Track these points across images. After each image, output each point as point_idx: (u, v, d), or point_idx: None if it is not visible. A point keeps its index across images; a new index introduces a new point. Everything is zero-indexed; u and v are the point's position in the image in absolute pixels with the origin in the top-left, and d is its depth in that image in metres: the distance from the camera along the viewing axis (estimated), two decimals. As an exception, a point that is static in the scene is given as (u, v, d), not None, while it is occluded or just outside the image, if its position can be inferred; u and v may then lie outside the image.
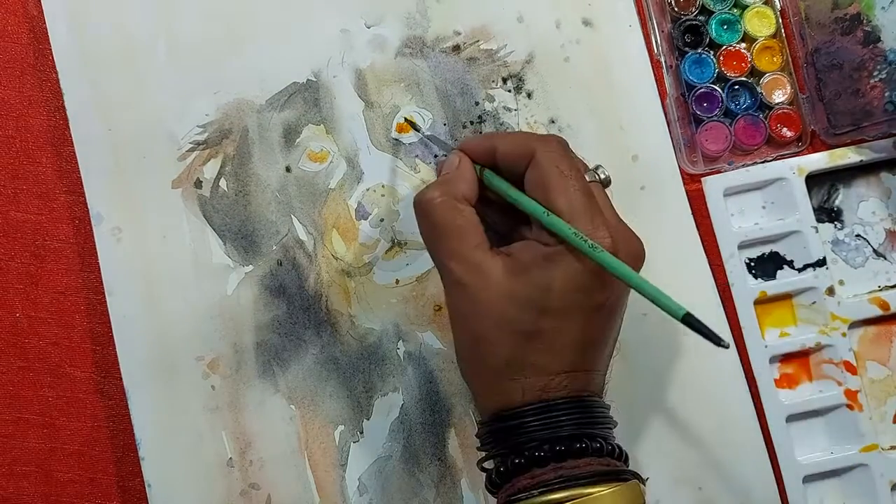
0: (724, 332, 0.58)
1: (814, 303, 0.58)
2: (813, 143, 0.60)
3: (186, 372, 0.57)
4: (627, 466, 0.47)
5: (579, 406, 0.46)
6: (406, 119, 0.58)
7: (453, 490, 0.57)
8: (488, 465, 0.48)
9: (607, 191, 0.50)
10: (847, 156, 0.59)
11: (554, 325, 0.46)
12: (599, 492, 0.44)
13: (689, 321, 0.44)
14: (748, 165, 0.59)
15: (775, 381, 0.58)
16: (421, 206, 0.49)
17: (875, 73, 0.56)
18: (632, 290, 0.46)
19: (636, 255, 0.48)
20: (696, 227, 0.59)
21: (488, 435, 0.47)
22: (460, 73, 0.59)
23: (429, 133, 0.58)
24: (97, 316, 0.58)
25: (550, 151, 0.47)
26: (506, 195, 0.49)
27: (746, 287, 0.58)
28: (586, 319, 0.46)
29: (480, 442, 0.48)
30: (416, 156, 0.59)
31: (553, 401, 0.46)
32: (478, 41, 0.60)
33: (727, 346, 0.43)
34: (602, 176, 0.50)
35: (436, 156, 0.59)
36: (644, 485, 0.47)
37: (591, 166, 0.50)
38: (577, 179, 0.47)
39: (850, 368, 0.58)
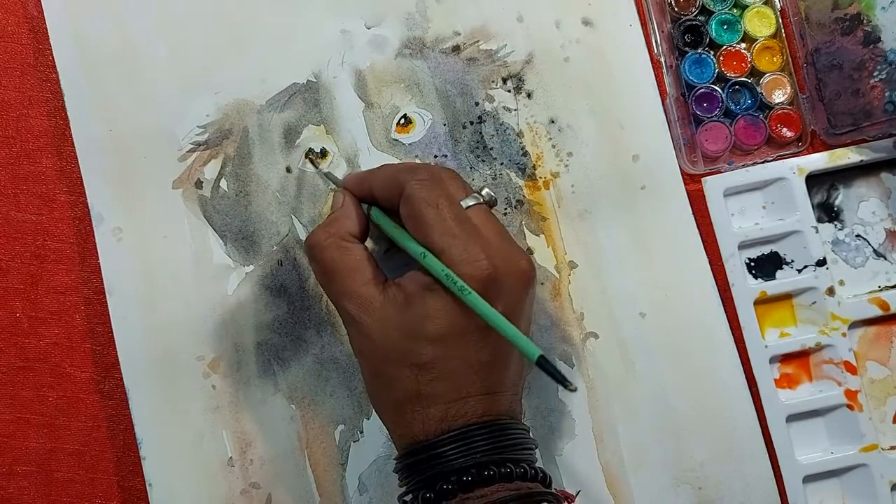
0: (725, 332, 0.58)
1: (814, 303, 0.58)
2: (813, 143, 0.60)
3: (187, 372, 0.57)
4: (548, 487, 0.47)
5: (488, 431, 0.46)
6: (311, 149, 0.59)
7: (453, 490, 0.57)
8: (408, 498, 0.47)
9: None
10: (847, 156, 0.59)
11: (443, 352, 0.46)
12: None
13: (542, 364, 0.44)
14: (748, 165, 0.59)
15: (775, 381, 0.58)
16: (310, 249, 0.50)
17: (875, 74, 0.56)
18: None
19: (520, 274, 0.47)
20: (697, 227, 0.59)
21: (402, 471, 0.48)
22: (460, 74, 0.59)
23: (326, 171, 0.58)
24: (97, 316, 0.58)
25: (419, 183, 0.47)
26: (388, 235, 0.49)
27: (746, 287, 0.58)
28: (476, 342, 0.46)
29: (398, 478, 0.48)
30: (416, 156, 0.59)
31: (457, 430, 0.46)
32: (477, 41, 0.60)
33: (574, 390, 0.43)
34: (486, 198, 0.50)
35: (435, 156, 0.59)
36: (569, 501, 0.48)
37: (477, 188, 0.50)
38: (449, 208, 0.47)
39: (850, 368, 0.58)
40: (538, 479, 0.47)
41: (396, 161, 0.58)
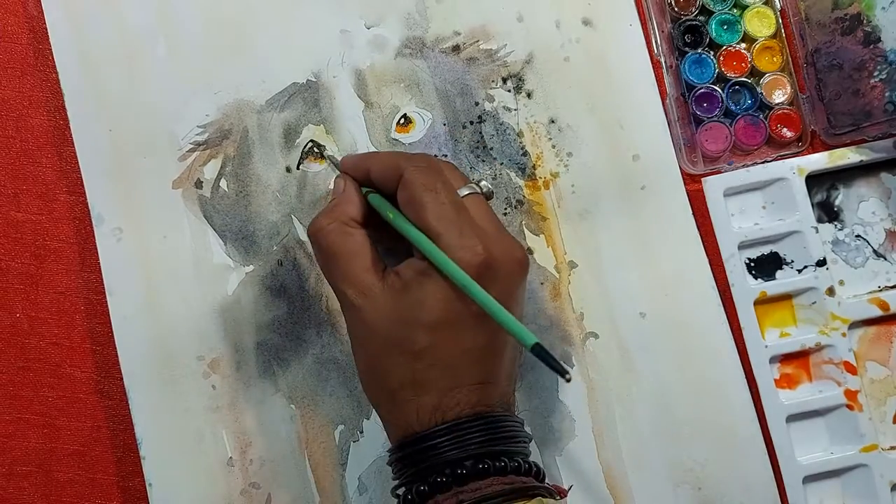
0: (725, 332, 0.58)
1: (814, 303, 0.58)
2: (813, 143, 0.60)
3: (187, 372, 0.57)
4: (541, 482, 0.47)
5: (481, 424, 0.46)
6: (312, 141, 0.59)
7: (453, 490, 0.57)
8: (400, 491, 0.47)
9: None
10: (847, 156, 0.59)
11: (438, 339, 0.46)
12: None
13: (538, 352, 0.43)
14: (748, 165, 0.59)
15: (775, 381, 0.58)
16: (313, 234, 0.50)
17: (875, 74, 0.56)
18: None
19: (516, 263, 0.47)
20: (697, 227, 0.59)
21: (395, 463, 0.47)
22: (460, 74, 0.59)
23: (329, 154, 0.58)
24: (97, 316, 0.58)
25: (417, 169, 0.48)
26: (386, 218, 0.49)
27: (746, 287, 0.58)
28: (471, 330, 0.46)
29: (391, 470, 0.48)
30: (416, 156, 0.59)
31: (451, 421, 0.46)
32: (477, 41, 0.60)
33: (569, 379, 0.43)
34: (484, 189, 0.50)
35: (435, 156, 0.59)
36: (556, 497, 0.47)
37: (475, 179, 0.50)
38: (446, 194, 0.47)
39: (850, 369, 0.58)
40: (532, 473, 0.47)
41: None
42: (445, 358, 0.46)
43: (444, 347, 0.46)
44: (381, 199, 0.50)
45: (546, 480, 0.48)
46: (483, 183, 0.50)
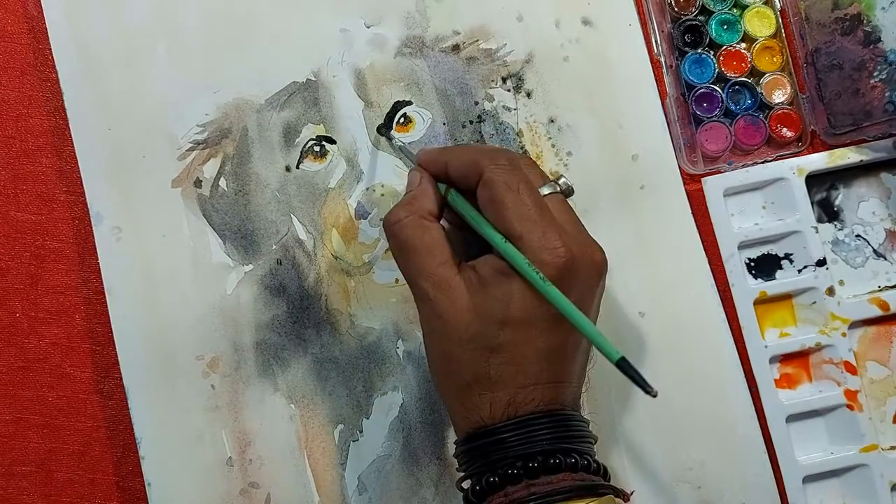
0: (725, 332, 0.58)
1: (814, 303, 0.58)
2: (813, 143, 0.60)
3: (186, 371, 0.57)
4: (608, 481, 0.47)
5: (552, 421, 0.46)
6: (380, 125, 0.59)
7: (452, 489, 0.57)
8: (466, 484, 0.47)
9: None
10: (847, 156, 0.59)
11: (515, 337, 0.46)
12: None
13: (623, 367, 0.44)
14: (748, 165, 0.59)
15: (775, 381, 0.58)
16: (389, 227, 0.49)
17: (875, 74, 0.56)
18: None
19: (594, 264, 0.47)
20: (696, 227, 0.59)
21: (463, 454, 0.47)
22: (460, 73, 0.59)
23: (401, 144, 0.58)
24: (97, 316, 0.58)
25: (499, 167, 0.47)
26: (466, 218, 0.49)
27: (746, 287, 0.58)
28: (548, 330, 0.46)
29: (457, 462, 0.48)
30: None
31: (524, 416, 0.46)
32: (477, 41, 0.60)
33: (655, 395, 0.44)
34: (563, 187, 0.49)
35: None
36: (625, 498, 0.47)
37: (552, 177, 0.50)
38: (529, 194, 0.47)
39: (850, 368, 0.58)
40: (599, 473, 0.47)
41: (397, 160, 0.59)
42: (521, 356, 0.46)
43: (520, 345, 0.46)
44: (461, 198, 0.50)
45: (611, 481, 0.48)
46: (563, 180, 0.49)
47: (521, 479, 0.45)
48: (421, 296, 0.48)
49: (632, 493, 0.57)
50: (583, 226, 0.49)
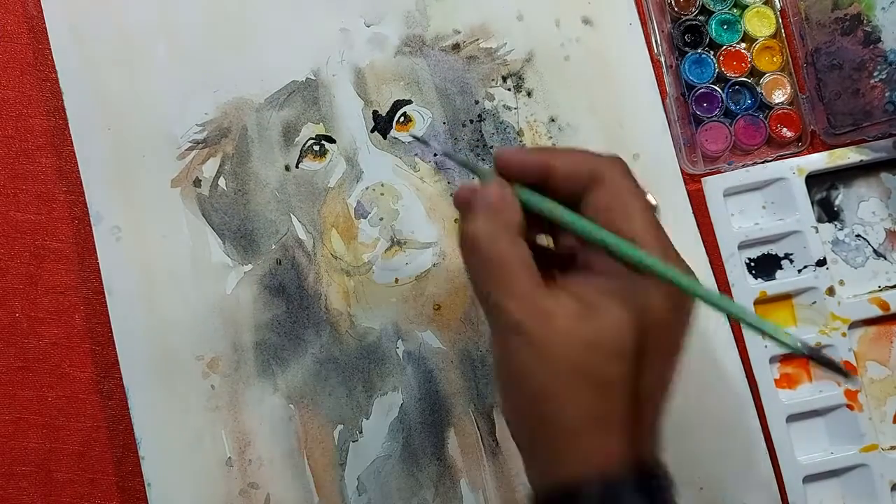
0: (725, 333, 0.58)
1: (814, 303, 0.58)
2: (813, 143, 0.60)
3: (186, 371, 0.57)
4: None
5: (646, 490, 0.39)
6: (414, 137, 0.58)
7: (452, 490, 0.57)
8: None
9: None
10: (847, 156, 0.59)
11: (630, 370, 0.39)
12: None
13: (816, 356, 0.40)
14: (748, 165, 0.59)
15: (775, 381, 0.58)
16: (470, 240, 0.41)
17: (875, 74, 0.56)
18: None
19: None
20: (697, 227, 0.59)
21: None
22: (460, 72, 0.59)
23: (441, 148, 0.57)
24: (97, 316, 0.58)
25: (621, 172, 0.42)
26: (560, 220, 0.42)
27: (746, 287, 0.58)
28: (665, 362, 0.41)
29: None
30: (416, 154, 0.59)
31: (645, 466, 0.39)
32: (477, 40, 0.60)
33: (851, 378, 0.40)
34: (654, 202, 0.43)
35: (435, 154, 0.59)
36: None
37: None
38: (647, 204, 0.41)
39: (851, 368, 0.58)
40: None
41: (397, 160, 0.58)
42: (638, 392, 0.39)
43: (637, 379, 0.39)
44: (550, 200, 0.42)
45: None
46: (650, 195, 0.43)
47: None
48: (509, 323, 0.40)
49: None
50: None
